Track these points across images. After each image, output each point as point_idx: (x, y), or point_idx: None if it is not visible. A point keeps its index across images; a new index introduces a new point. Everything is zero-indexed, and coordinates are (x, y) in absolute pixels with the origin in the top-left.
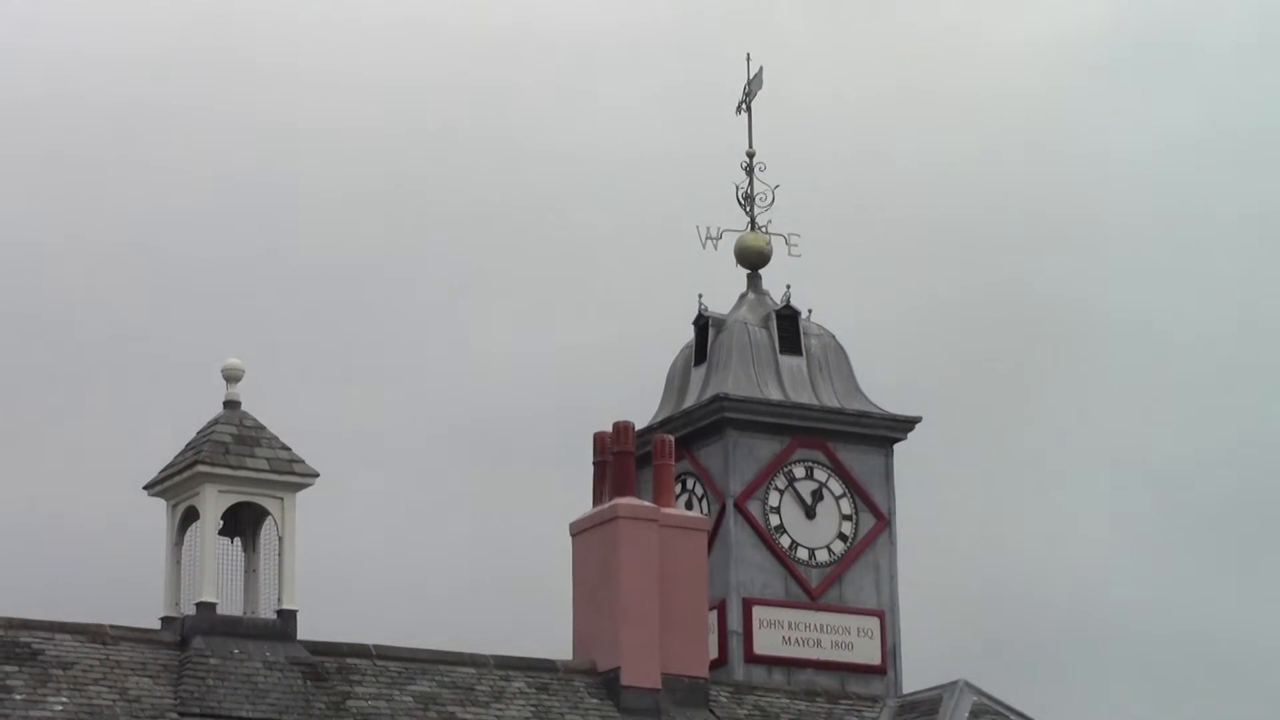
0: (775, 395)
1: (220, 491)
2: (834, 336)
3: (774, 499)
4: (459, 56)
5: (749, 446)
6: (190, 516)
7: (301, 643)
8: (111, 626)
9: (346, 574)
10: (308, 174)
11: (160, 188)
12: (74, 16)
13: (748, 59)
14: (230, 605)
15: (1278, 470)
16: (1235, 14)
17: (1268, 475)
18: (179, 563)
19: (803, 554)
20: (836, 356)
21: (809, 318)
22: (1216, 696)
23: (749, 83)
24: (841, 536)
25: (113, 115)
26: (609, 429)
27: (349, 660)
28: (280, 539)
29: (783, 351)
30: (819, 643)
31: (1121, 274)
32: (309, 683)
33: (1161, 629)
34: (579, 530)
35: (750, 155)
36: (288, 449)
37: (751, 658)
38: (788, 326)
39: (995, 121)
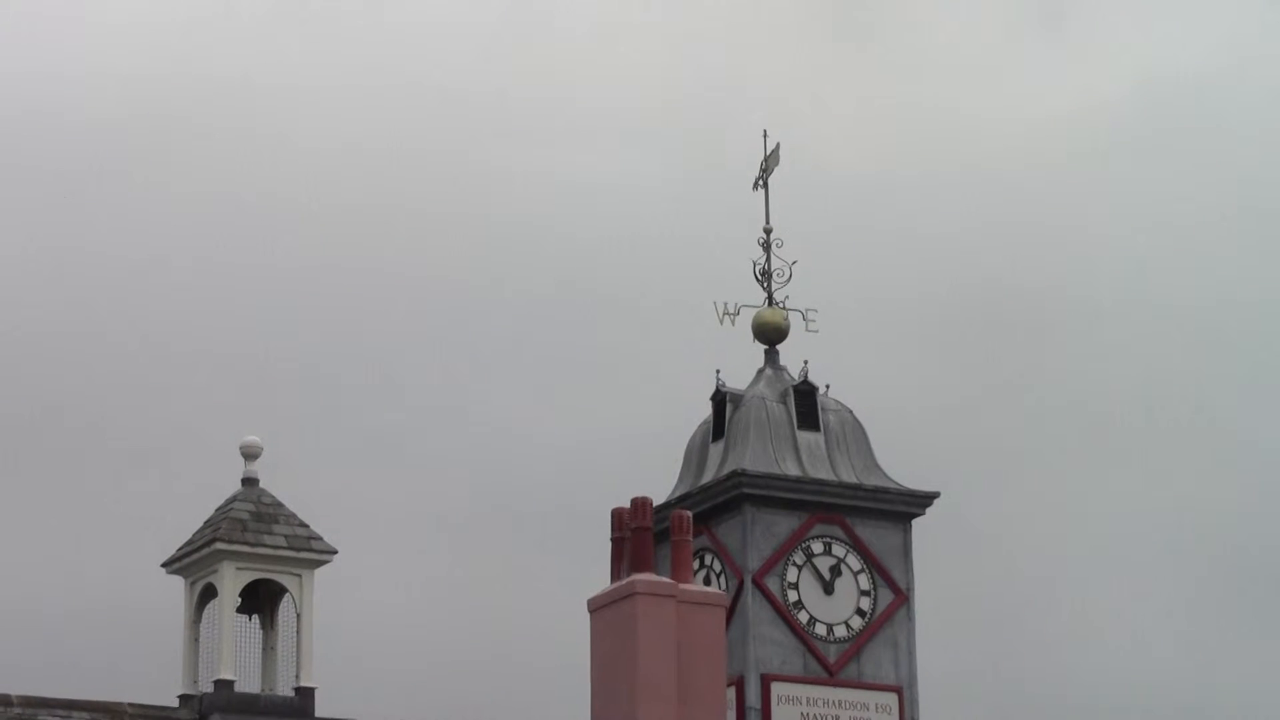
0: (793, 471)
1: (238, 569)
2: (851, 412)
3: (792, 575)
4: (474, 133)
5: (767, 522)
6: (208, 594)
7: None
8: (130, 704)
9: (365, 651)
10: (324, 254)
11: (176, 267)
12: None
13: (764, 135)
14: (248, 682)
15: None
16: (1246, 95)
17: None
18: (197, 640)
19: (821, 630)
20: (854, 432)
21: (827, 393)
22: None
23: (766, 159)
24: (860, 612)
25: (128, 196)
26: (627, 505)
27: None
28: (298, 616)
29: (801, 427)
30: (837, 719)
31: (1146, 351)
32: None
33: (1185, 706)
34: (596, 607)
35: (768, 231)
36: (306, 526)
37: None
38: (805, 402)
39: (1012, 196)
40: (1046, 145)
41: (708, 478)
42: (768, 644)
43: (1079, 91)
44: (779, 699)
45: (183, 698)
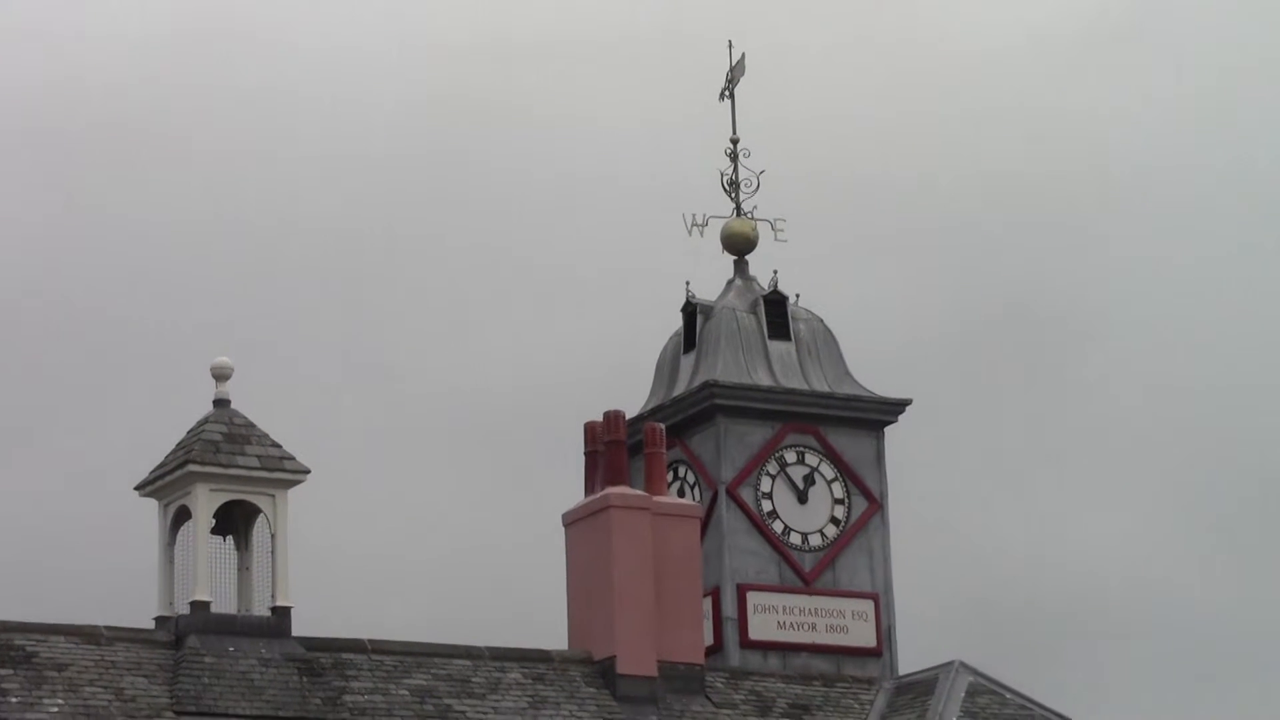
0: (765, 381)
1: (212, 490)
2: (822, 321)
3: (766, 484)
4: (444, 53)
5: (740, 433)
6: (182, 516)
7: (296, 639)
8: (106, 627)
9: (340, 569)
10: (298, 173)
11: (150, 185)
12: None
13: (729, 46)
14: (224, 603)
15: (1277, 459)
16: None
17: (1267, 463)
18: (172, 562)
19: (796, 539)
20: (825, 341)
21: (797, 302)
22: (1210, 678)
23: (731, 69)
24: (834, 520)
25: (107, 112)
26: (600, 419)
27: (344, 655)
28: (273, 536)
29: (772, 337)
30: (814, 627)
31: (1116, 256)
32: (305, 679)
33: (1155, 611)
34: (572, 520)
35: (734, 141)
36: (278, 446)
37: (747, 643)
38: (776, 311)
39: (981, 103)
40: (1024, 54)
41: (680, 389)
42: (743, 554)
43: None
44: (755, 608)
45: (159, 619)
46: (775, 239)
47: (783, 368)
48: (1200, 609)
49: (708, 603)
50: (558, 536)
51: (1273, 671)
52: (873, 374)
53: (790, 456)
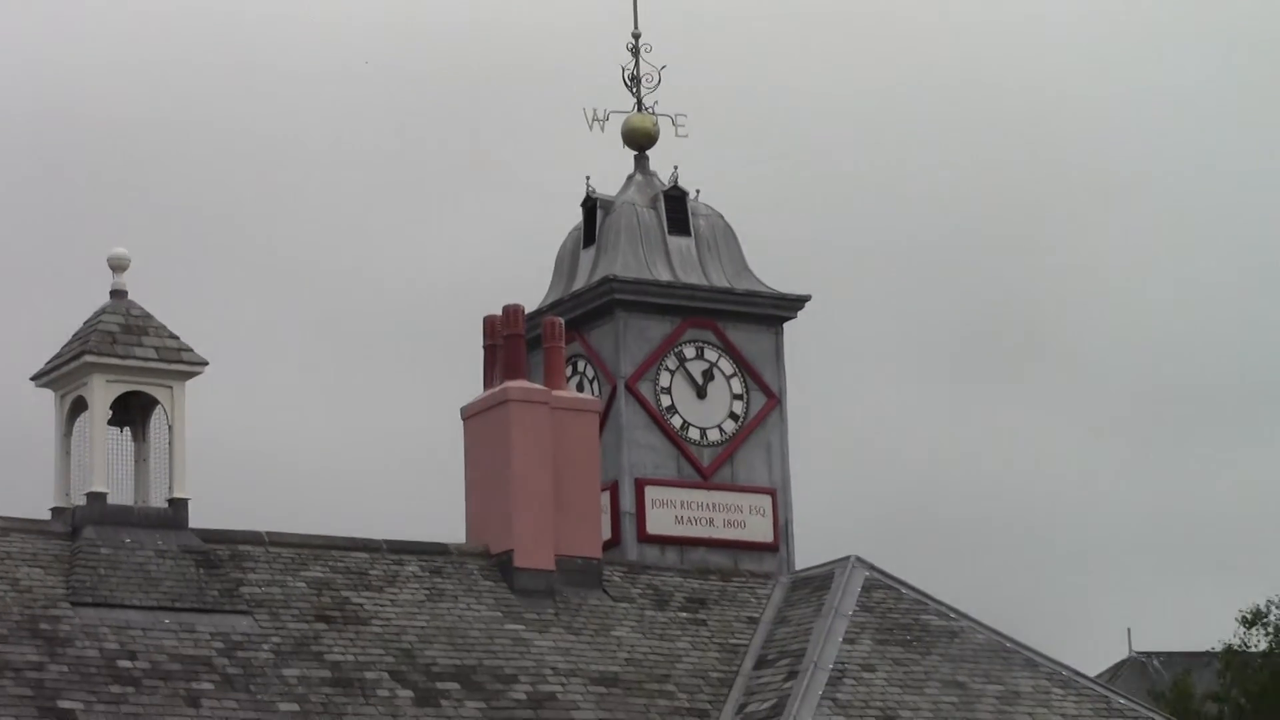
0: (664, 276)
1: (108, 381)
2: (722, 216)
3: (665, 379)
4: None
5: (639, 328)
6: (79, 407)
7: (193, 530)
8: (1, 518)
9: (238, 462)
10: (201, 56)
11: (54, 74)
12: None
13: None
14: (121, 495)
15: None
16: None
17: (1161, 370)
18: (68, 453)
19: (694, 434)
20: (725, 236)
21: (697, 198)
22: (1097, 568)
23: None
24: (733, 416)
25: None
26: (499, 312)
27: (241, 547)
28: (170, 428)
29: (671, 232)
30: (711, 521)
31: (978, 149)
32: (202, 570)
33: (1046, 505)
34: (470, 414)
35: (636, 36)
36: (176, 338)
37: (644, 538)
38: (676, 207)
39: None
40: None
41: (579, 284)
42: (641, 448)
43: None
44: (653, 503)
45: (55, 510)
46: (676, 134)
47: (682, 263)
48: (1094, 500)
49: (606, 497)
50: (456, 430)
51: (1160, 572)
52: (773, 270)
53: (689, 351)
